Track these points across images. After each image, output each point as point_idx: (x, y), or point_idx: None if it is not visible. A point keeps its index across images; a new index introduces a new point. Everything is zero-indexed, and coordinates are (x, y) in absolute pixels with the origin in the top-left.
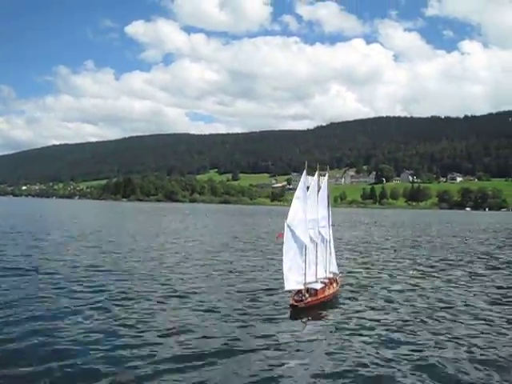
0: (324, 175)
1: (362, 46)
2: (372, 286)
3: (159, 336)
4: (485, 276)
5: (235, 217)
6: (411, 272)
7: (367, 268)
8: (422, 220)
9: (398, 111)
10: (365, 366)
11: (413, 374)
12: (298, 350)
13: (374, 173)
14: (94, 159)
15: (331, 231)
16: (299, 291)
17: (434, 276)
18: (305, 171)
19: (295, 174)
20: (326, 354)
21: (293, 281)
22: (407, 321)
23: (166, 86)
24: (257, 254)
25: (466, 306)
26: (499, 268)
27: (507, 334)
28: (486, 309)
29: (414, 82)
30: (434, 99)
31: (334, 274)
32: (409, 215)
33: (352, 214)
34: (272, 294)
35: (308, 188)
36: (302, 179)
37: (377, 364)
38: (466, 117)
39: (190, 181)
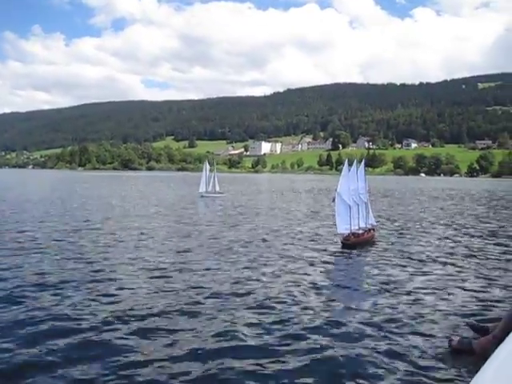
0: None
1: (317, 10)
2: (399, 236)
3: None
4: None
5: None
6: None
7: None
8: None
9: (355, 77)
10: (390, 282)
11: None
12: (348, 267)
13: (331, 139)
14: (47, 127)
15: (367, 196)
16: (346, 234)
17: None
18: (346, 161)
19: (252, 140)
20: (367, 270)
21: (342, 228)
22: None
23: (118, 52)
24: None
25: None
26: None
27: None
28: None
29: (370, 48)
30: (389, 66)
31: (373, 225)
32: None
33: (313, 181)
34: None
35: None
36: (345, 163)
37: (401, 282)
38: (420, 83)
39: (147, 148)
